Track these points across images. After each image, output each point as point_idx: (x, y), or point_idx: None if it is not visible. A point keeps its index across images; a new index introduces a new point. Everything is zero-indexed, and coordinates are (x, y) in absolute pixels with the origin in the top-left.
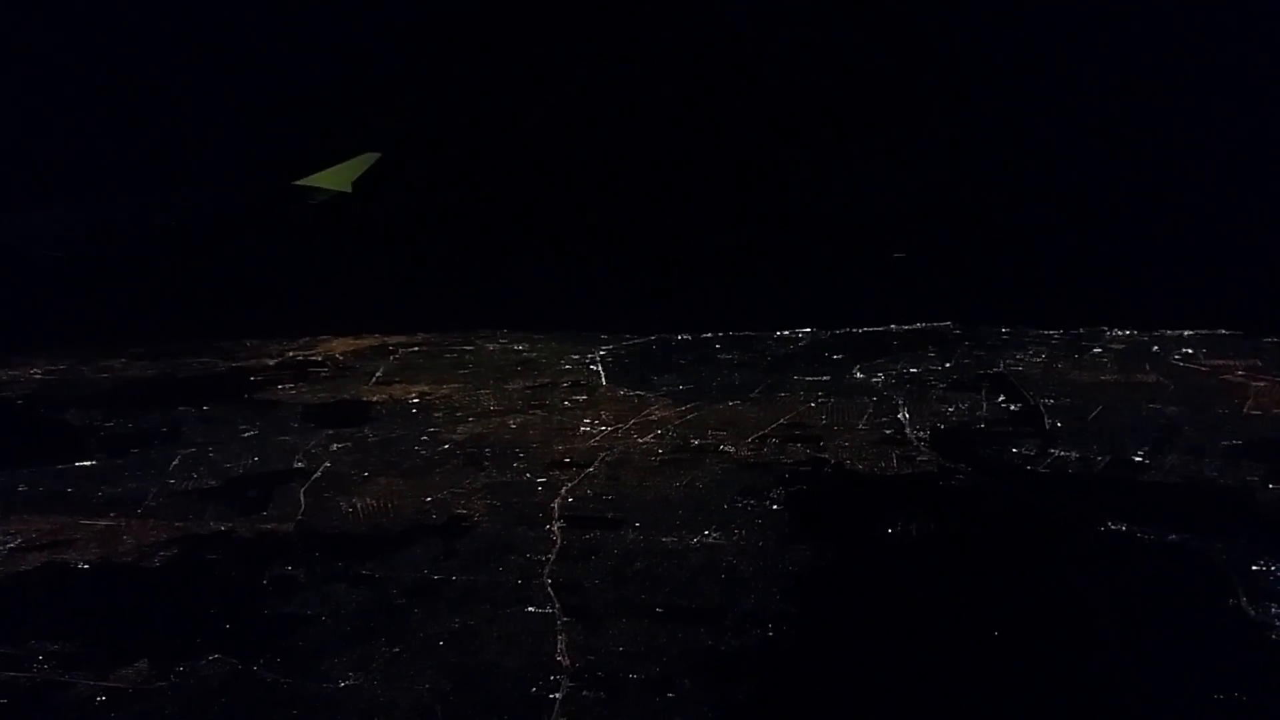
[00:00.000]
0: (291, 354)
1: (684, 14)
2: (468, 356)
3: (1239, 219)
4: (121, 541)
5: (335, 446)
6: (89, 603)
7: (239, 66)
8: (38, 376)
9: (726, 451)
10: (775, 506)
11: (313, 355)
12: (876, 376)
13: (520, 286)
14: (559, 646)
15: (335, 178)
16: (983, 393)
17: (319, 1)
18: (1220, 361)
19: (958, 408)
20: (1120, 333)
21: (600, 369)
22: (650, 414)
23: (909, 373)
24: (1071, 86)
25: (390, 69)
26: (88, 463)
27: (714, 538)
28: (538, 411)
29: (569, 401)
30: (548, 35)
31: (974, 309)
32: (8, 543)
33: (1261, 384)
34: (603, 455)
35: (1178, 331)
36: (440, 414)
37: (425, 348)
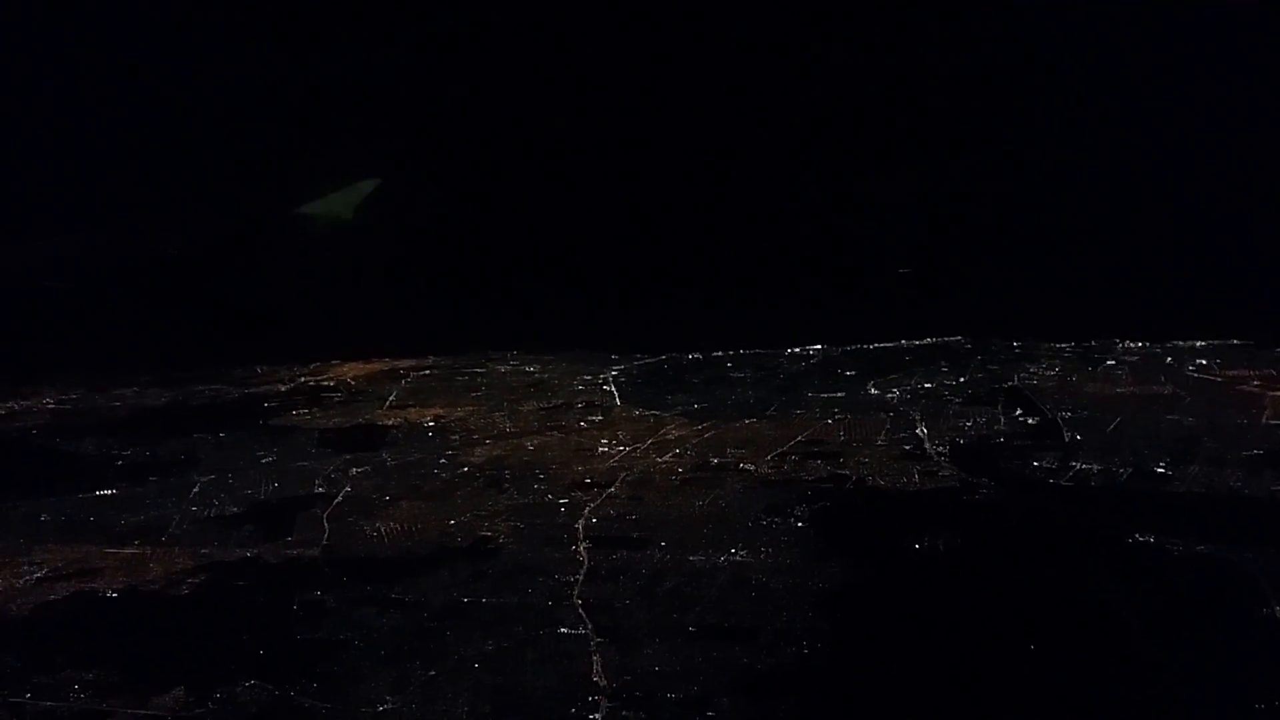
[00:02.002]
0: (303, 379)
1: (696, 34)
2: (480, 379)
3: (1248, 228)
4: (148, 569)
5: (354, 471)
6: (121, 631)
7: (241, 90)
8: (50, 406)
9: (747, 469)
10: (800, 524)
11: (324, 380)
12: (891, 392)
13: (527, 308)
14: (595, 667)
15: (337, 203)
16: (999, 407)
17: (323, 24)
18: (1235, 372)
19: (975, 422)
20: (1132, 344)
21: (614, 389)
22: (667, 433)
23: (923, 388)
24: (1078, 97)
25: (393, 89)
26: (108, 491)
27: (741, 556)
28: (554, 433)
29: (585, 422)
30: (555, 58)
31: (983, 323)
32: (34, 572)
33: (1278, 393)
34: (623, 475)
35: (1190, 342)
36: (457, 437)
37: (436, 371)
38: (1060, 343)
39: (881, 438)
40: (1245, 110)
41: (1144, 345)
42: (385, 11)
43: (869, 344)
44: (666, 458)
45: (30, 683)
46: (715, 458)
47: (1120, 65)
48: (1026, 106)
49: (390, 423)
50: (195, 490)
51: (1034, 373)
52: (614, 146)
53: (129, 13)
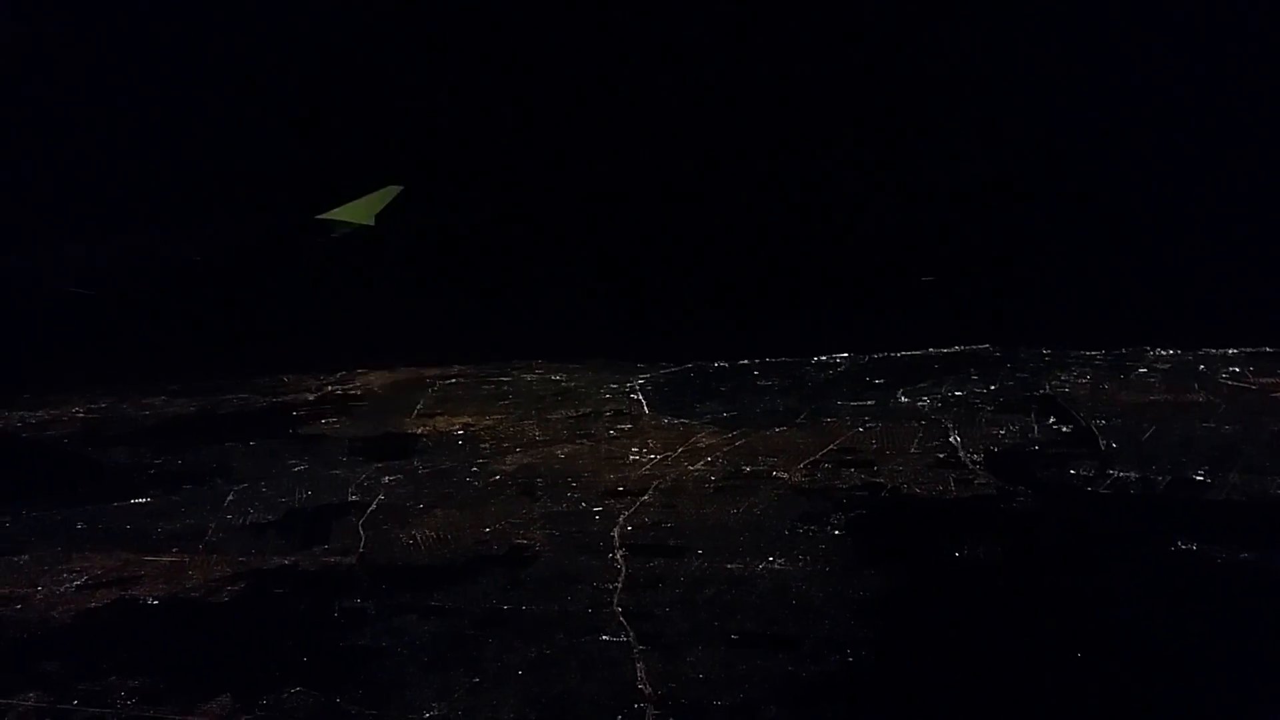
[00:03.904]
0: (330, 388)
1: (717, 41)
2: (506, 387)
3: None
4: (187, 577)
5: (387, 479)
6: (163, 638)
7: (262, 96)
8: (80, 415)
9: (780, 478)
10: (837, 532)
11: (351, 389)
12: (922, 400)
13: (551, 316)
14: (639, 674)
15: (358, 211)
16: (1032, 415)
17: (343, 29)
18: (1268, 379)
19: (1009, 430)
20: (1163, 352)
21: (641, 397)
22: (697, 441)
23: (954, 396)
24: (1107, 101)
25: (416, 95)
26: (143, 500)
27: (779, 564)
28: (584, 441)
29: (614, 430)
30: (579, 64)
31: (1009, 331)
32: (74, 580)
33: None
34: (656, 483)
35: (1222, 350)
36: (487, 445)
37: (462, 379)
38: (1090, 350)
39: (914, 446)
40: (1277, 115)
41: (1175, 353)
42: (406, 14)
43: (895, 352)
44: (698, 466)
45: (76, 689)
46: (747, 466)
47: (1147, 69)
48: (1054, 112)
49: (419, 431)
50: (230, 498)
51: (1065, 380)
52: (639, 154)
53: (151, 19)
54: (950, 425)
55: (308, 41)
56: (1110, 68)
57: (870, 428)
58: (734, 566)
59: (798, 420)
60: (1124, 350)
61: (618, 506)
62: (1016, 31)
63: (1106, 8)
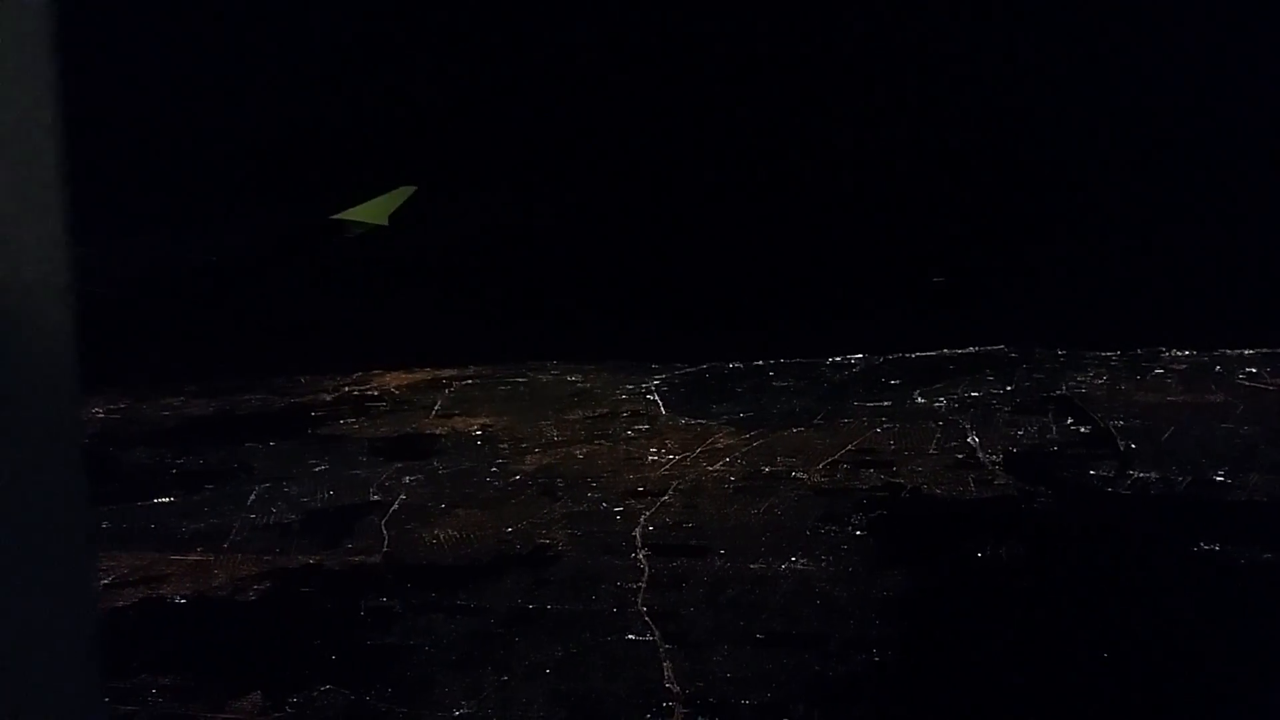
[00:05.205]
0: (347, 389)
1: (730, 44)
2: (522, 388)
3: None
4: (213, 576)
5: (407, 479)
6: (192, 636)
7: (278, 98)
8: (99, 415)
9: (799, 478)
10: (859, 532)
11: (369, 390)
12: (939, 401)
13: (565, 317)
14: (666, 673)
15: (372, 211)
16: (1050, 415)
17: (359, 31)
18: None
19: (1027, 431)
20: (1179, 353)
21: (658, 398)
22: (715, 442)
23: (970, 397)
24: (1122, 102)
25: (431, 96)
26: (166, 499)
27: (802, 564)
28: (603, 442)
29: (632, 431)
30: (595, 67)
31: (1021, 331)
32: (101, 579)
33: None
34: (675, 483)
35: (1238, 350)
36: (506, 445)
37: (478, 380)
38: (1105, 351)
39: (933, 446)
40: None
41: (1191, 353)
42: (422, 16)
43: (909, 353)
44: (717, 466)
45: (107, 687)
46: (766, 466)
47: (1161, 69)
48: (1068, 113)
49: (438, 431)
50: (252, 498)
51: (1081, 381)
52: (655, 156)
53: (165, 19)
54: (968, 426)
55: (324, 43)
56: (1125, 68)
57: (888, 428)
58: (757, 566)
59: (815, 421)
60: (1139, 351)
61: (638, 507)
62: (1031, 33)
63: (1121, 8)
